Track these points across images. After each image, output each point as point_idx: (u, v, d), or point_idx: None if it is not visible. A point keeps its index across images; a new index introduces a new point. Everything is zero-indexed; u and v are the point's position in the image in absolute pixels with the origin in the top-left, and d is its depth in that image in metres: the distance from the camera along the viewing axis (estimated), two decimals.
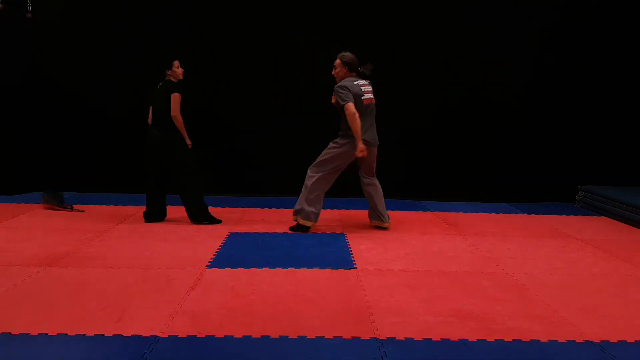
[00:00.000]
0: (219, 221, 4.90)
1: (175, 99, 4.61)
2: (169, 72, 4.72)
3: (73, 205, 5.36)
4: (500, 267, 3.84)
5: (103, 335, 2.62)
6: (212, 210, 5.29)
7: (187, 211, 4.87)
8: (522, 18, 6.12)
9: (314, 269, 3.67)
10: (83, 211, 5.31)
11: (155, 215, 4.90)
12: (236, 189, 6.23)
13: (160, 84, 4.76)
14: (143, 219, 4.93)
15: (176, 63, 4.73)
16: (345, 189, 6.21)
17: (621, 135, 6.32)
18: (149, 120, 4.93)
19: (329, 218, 5.22)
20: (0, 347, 2.49)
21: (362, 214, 5.42)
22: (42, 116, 6.09)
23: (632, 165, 6.34)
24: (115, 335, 2.61)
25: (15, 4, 5.69)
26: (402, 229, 4.87)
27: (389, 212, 5.56)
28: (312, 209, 4.61)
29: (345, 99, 4.43)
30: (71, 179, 6.23)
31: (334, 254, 4.03)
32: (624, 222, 5.36)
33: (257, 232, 4.63)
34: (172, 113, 4.61)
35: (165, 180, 4.84)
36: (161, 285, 3.28)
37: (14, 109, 6.00)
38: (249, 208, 5.56)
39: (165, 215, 4.96)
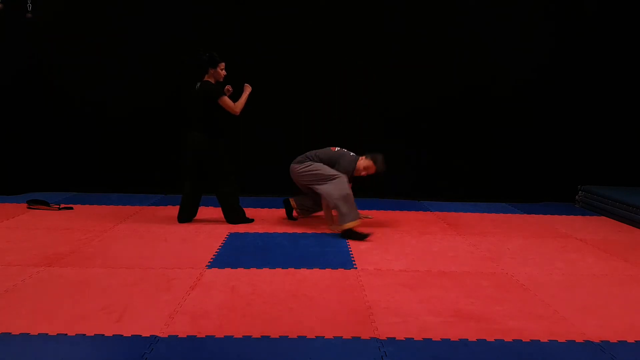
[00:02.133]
0: (252, 220, 5.00)
1: (225, 103, 4.59)
2: (211, 71, 4.61)
3: (60, 205, 5.41)
4: (500, 267, 3.84)
5: (103, 335, 2.62)
6: (211, 210, 5.32)
7: (225, 214, 4.89)
8: (522, 18, 6.12)
9: (314, 269, 3.67)
10: (72, 208, 5.35)
11: (188, 216, 4.90)
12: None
13: (198, 85, 4.67)
14: (145, 219, 4.94)
15: (222, 64, 4.65)
16: None
17: (621, 136, 6.33)
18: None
19: None
20: (0, 347, 2.49)
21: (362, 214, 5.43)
22: (41, 116, 6.09)
23: (632, 165, 6.35)
24: (115, 335, 2.61)
25: (15, 4, 5.69)
26: (402, 229, 4.87)
27: (390, 212, 5.59)
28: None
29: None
30: (71, 179, 6.24)
31: (334, 254, 4.03)
32: (624, 222, 5.36)
33: (257, 232, 4.63)
34: (235, 113, 4.65)
35: (201, 182, 4.80)
36: (161, 285, 3.28)
37: (14, 109, 6.00)
38: (249, 208, 5.55)
39: (195, 216, 4.98)
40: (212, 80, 4.64)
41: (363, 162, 4.76)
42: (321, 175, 4.65)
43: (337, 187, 4.55)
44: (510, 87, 6.24)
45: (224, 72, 4.69)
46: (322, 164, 4.74)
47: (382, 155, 4.77)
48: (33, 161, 6.13)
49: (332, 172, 4.64)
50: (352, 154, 4.84)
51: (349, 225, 4.47)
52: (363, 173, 4.76)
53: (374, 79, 6.19)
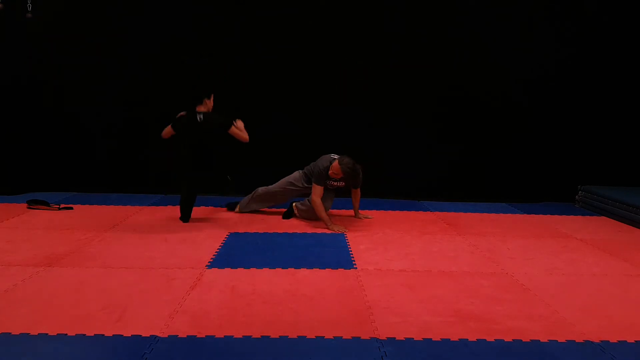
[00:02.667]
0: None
1: (235, 132, 4.73)
2: (206, 101, 4.73)
3: (60, 205, 5.40)
4: (500, 267, 3.84)
5: (103, 335, 2.62)
6: (211, 210, 5.32)
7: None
8: (522, 18, 6.12)
9: (314, 269, 3.67)
10: (72, 208, 5.34)
11: (184, 216, 4.92)
12: (236, 189, 6.24)
13: (200, 116, 4.67)
14: (143, 220, 4.94)
15: (212, 96, 4.77)
16: (345, 188, 6.22)
17: (621, 136, 6.32)
18: (164, 135, 4.90)
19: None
20: (0, 347, 2.49)
21: (362, 214, 5.43)
22: (42, 116, 6.09)
23: (632, 165, 6.34)
24: (115, 335, 2.61)
25: (15, 4, 5.69)
26: (402, 229, 4.87)
27: (390, 212, 5.59)
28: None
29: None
30: (71, 179, 6.24)
31: (334, 254, 4.03)
32: (624, 222, 5.36)
33: (257, 232, 4.63)
34: (246, 141, 4.79)
35: (196, 184, 4.89)
36: (161, 285, 3.28)
37: (14, 109, 6.00)
38: None
39: (190, 215, 4.97)
40: (205, 109, 4.74)
41: (335, 163, 4.77)
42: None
43: (268, 188, 5.20)
44: (510, 87, 6.24)
45: (212, 103, 4.81)
46: (292, 177, 5.11)
47: (353, 160, 4.76)
48: (33, 161, 6.13)
49: (280, 184, 5.14)
50: (334, 156, 4.87)
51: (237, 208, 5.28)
52: (330, 173, 4.77)
53: (374, 79, 6.18)
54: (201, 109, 4.72)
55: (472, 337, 2.69)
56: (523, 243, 4.50)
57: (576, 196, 6.31)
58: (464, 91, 6.25)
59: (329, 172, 4.78)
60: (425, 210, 5.76)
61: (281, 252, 4.07)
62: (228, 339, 2.61)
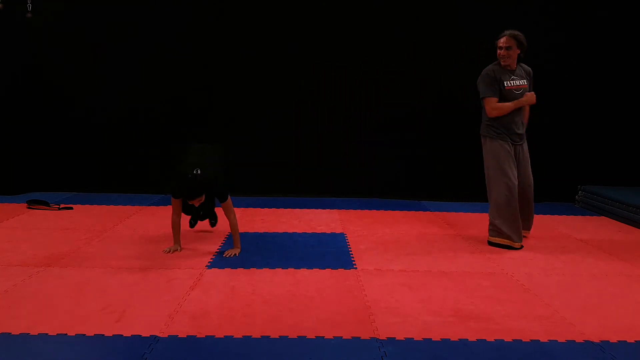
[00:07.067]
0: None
1: (226, 207, 4.04)
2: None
3: (60, 205, 5.40)
4: (500, 267, 3.84)
5: (103, 335, 2.62)
6: None
7: None
8: (522, 17, 6.11)
9: (314, 269, 3.67)
10: (72, 208, 5.34)
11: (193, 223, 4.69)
12: (236, 189, 6.24)
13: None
14: (143, 220, 4.95)
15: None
16: (345, 188, 6.22)
17: (621, 135, 6.31)
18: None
19: (329, 218, 5.22)
20: (0, 347, 2.49)
21: (362, 214, 5.43)
22: (41, 116, 6.09)
23: (632, 165, 6.33)
24: (115, 335, 2.61)
25: (15, 4, 5.69)
26: (402, 229, 4.87)
27: (390, 212, 5.59)
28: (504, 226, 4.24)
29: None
30: (71, 179, 6.24)
31: (334, 254, 4.03)
32: (624, 222, 5.35)
33: (257, 232, 4.63)
34: (233, 221, 4.07)
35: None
36: (161, 285, 3.29)
37: (14, 108, 6.00)
38: (249, 208, 5.56)
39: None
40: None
41: None
42: None
43: None
44: None
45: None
46: None
47: None
48: (33, 161, 6.13)
49: None
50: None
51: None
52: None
53: (373, 79, 6.18)
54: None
55: (472, 337, 2.69)
56: (523, 243, 4.50)
57: (576, 196, 6.30)
58: (464, 90, 6.23)
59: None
60: (425, 210, 5.76)
61: (281, 252, 4.07)
62: (228, 339, 2.61)
